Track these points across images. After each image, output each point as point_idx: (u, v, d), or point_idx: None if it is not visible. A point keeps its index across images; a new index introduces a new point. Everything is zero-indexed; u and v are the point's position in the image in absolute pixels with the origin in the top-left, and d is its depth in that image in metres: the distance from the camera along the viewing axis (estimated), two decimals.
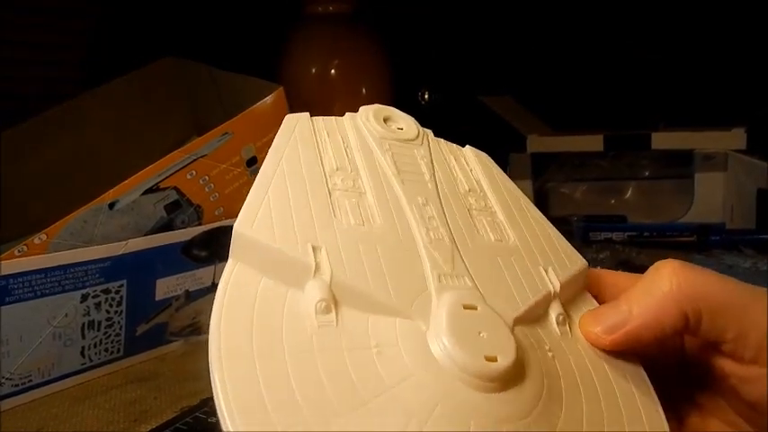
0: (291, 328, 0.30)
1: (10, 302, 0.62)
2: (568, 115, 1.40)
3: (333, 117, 0.45)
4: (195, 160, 0.72)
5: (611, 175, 1.28)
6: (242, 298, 0.31)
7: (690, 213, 1.20)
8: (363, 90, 1.16)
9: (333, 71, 1.14)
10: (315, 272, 0.32)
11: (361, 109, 0.45)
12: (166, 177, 0.71)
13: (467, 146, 0.49)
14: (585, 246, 1.09)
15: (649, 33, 1.39)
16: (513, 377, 0.31)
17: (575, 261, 0.41)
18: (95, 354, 0.70)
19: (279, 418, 0.26)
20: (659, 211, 1.24)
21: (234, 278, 0.32)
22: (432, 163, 0.43)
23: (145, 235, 0.71)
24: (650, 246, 1.12)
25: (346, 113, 0.45)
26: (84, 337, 0.69)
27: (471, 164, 0.47)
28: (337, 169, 0.40)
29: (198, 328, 0.80)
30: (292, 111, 0.82)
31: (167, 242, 0.72)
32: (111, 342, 0.71)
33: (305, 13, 1.16)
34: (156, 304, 0.74)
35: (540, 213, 0.45)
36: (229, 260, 0.32)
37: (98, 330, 0.69)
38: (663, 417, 0.35)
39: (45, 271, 0.63)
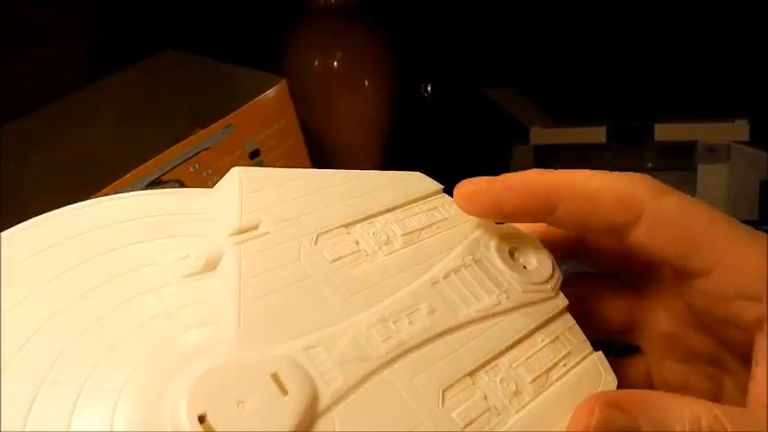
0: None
1: None
2: (571, 107, 1.40)
3: None
4: (198, 153, 0.73)
5: (614, 167, 1.27)
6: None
7: None
8: (366, 83, 1.16)
9: (335, 64, 1.14)
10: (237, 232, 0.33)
11: (486, 226, 0.42)
12: (169, 170, 0.71)
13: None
14: None
15: (652, 25, 1.39)
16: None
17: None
18: None
19: None
20: None
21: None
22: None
23: None
24: None
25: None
26: None
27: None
28: None
29: None
30: (295, 103, 0.83)
31: None
32: None
33: (308, 5, 1.16)
34: None
35: None
36: None
37: None
38: None
39: None
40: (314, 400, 0.27)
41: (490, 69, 1.45)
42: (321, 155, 1.04)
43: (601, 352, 0.37)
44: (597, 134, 1.25)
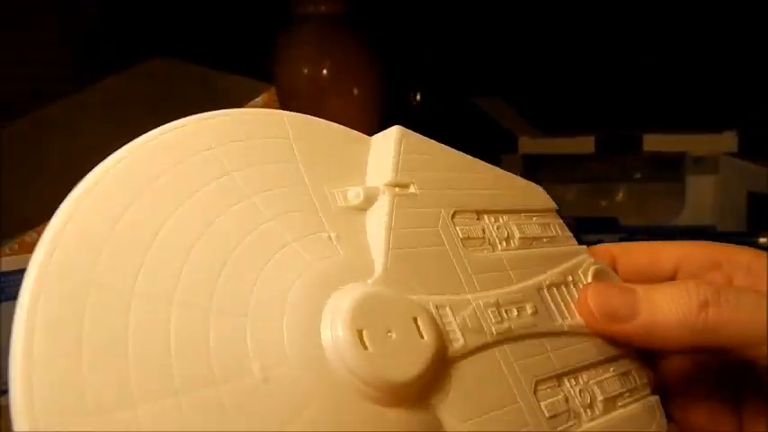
0: None
1: (1, 300, 0.61)
2: (560, 117, 1.40)
3: None
4: None
5: (602, 177, 1.28)
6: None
7: (681, 216, 1.20)
8: (355, 91, 1.16)
9: (324, 71, 1.14)
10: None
11: (587, 257, 0.43)
12: None
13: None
14: None
15: (641, 35, 1.39)
16: (417, 393, 0.29)
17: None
18: None
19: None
20: (650, 213, 1.25)
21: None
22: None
23: None
24: None
25: None
26: None
27: None
28: None
29: None
30: (284, 110, 0.83)
31: None
32: None
33: (296, 13, 1.16)
34: None
35: None
36: None
37: None
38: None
39: None
40: (442, 352, 0.30)
41: (478, 78, 1.46)
42: None
43: (658, 397, 0.39)
44: (586, 144, 1.25)
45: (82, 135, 1.01)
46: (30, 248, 0.62)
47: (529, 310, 0.36)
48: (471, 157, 0.43)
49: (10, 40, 1.10)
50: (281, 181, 0.32)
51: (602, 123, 1.29)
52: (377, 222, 0.33)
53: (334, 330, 0.27)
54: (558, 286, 0.39)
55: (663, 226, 1.20)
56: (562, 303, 0.38)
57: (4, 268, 0.61)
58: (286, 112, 0.35)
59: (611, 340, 0.37)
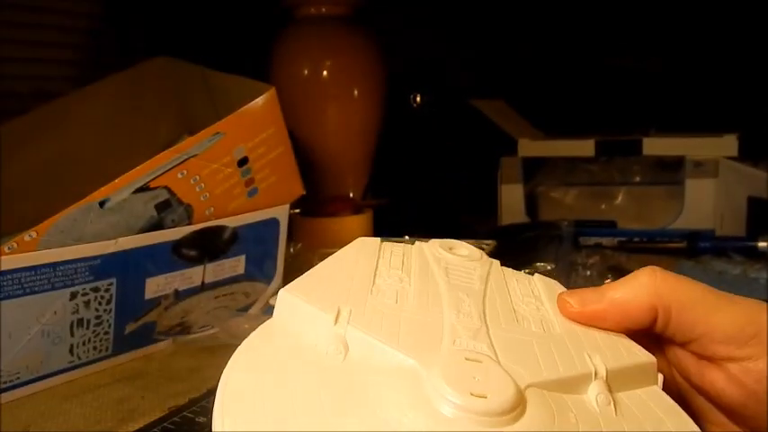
0: (301, 364, 0.31)
1: (0, 299, 0.62)
2: (560, 120, 1.40)
3: (404, 244, 0.46)
4: (186, 160, 0.72)
5: (601, 181, 1.28)
6: (264, 339, 0.34)
7: (680, 219, 1.21)
8: (356, 92, 1.16)
9: (325, 73, 1.14)
10: (335, 323, 0.33)
11: (432, 241, 0.46)
12: (157, 176, 0.71)
13: (536, 274, 0.46)
14: (576, 251, 1.09)
15: (642, 40, 1.40)
16: (506, 419, 0.29)
17: (638, 355, 0.38)
18: (84, 352, 0.70)
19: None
20: (649, 216, 1.25)
21: (264, 327, 0.34)
22: (487, 276, 0.43)
23: (135, 234, 0.71)
24: (640, 251, 1.13)
25: (416, 243, 0.46)
26: (72, 334, 0.68)
27: (537, 284, 0.44)
28: (390, 269, 0.41)
29: (186, 328, 0.80)
30: (284, 112, 0.83)
31: (157, 241, 0.72)
32: (100, 340, 0.71)
33: (298, 14, 1.16)
34: (146, 303, 0.74)
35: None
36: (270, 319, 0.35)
37: (87, 328, 0.69)
38: None
39: (34, 268, 0.63)
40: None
41: (479, 81, 1.46)
42: (309, 163, 1.04)
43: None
44: (586, 147, 1.25)
45: (82, 135, 1.01)
46: (29, 248, 0.62)
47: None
48: None
49: (10, 40, 1.10)
50: None
51: (602, 127, 1.29)
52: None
53: (431, 381, 0.30)
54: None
55: (662, 229, 1.20)
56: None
57: (4, 267, 0.61)
58: None
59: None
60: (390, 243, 0.45)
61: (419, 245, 0.46)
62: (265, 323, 0.35)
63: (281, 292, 0.36)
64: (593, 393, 0.33)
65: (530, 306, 0.41)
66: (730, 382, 0.37)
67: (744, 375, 0.36)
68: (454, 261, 0.44)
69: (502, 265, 0.46)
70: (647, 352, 0.38)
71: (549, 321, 0.39)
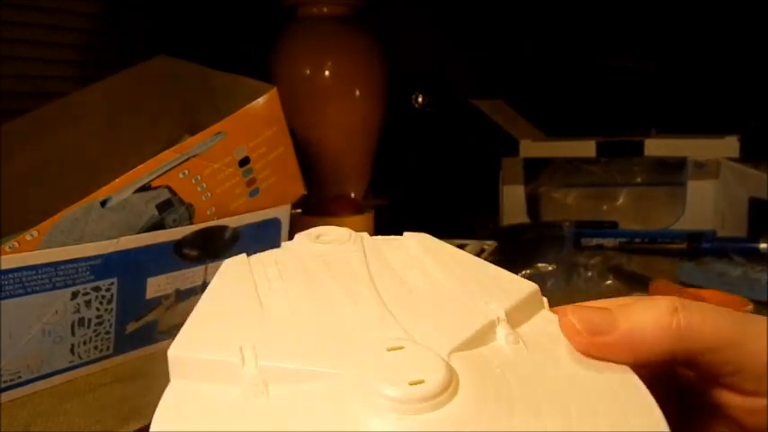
0: (226, 415, 0.30)
1: (0, 299, 0.62)
2: (561, 121, 1.40)
3: (266, 252, 0.44)
4: (187, 159, 0.72)
5: (603, 182, 1.28)
6: (178, 405, 0.31)
7: (681, 221, 1.20)
8: (357, 92, 1.16)
9: (326, 73, 1.14)
10: (243, 364, 0.32)
11: (296, 236, 0.45)
12: (158, 176, 0.71)
13: (405, 232, 0.47)
14: (577, 252, 1.09)
15: (644, 41, 1.39)
16: (445, 395, 0.30)
17: (522, 288, 0.40)
18: (85, 351, 0.70)
19: None
20: (651, 217, 1.25)
21: (171, 392, 0.32)
22: (364, 256, 0.43)
23: (136, 233, 0.71)
24: (641, 252, 1.13)
25: (282, 244, 0.45)
26: (73, 334, 0.68)
27: (409, 246, 0.45)
28: (270, 282, 0.40)
29: None
30: (285, 112, 0.83)
31: (158, 241, 0.72)
32: (101, 340, 0.71)
33: (299, 14, 1.16)
34: (147, 303, 0.74)
35: (484, 262, 0.43)
36: (170, 383, 0.33)
37: (88, 328, 0.69)
38: (661, 416, 0.34)
39: (36, 267, 0.63)
40: None
41: (480, 81, 1.46)
42: (311, 163, 1.04)
43: None
44: (587, 148, 1.25)
45: (83, 134, 1.01)
46: (30, 247, 0.62)
47: None
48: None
49: (11, 40, 1.10)
50: None
51: (603, 128, 1.29)
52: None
53: (368, 385, 0.30)
54: None
55: (663, 230, 1.20)
56: None
57: (2, 266, 0.61)
58: None
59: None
60: (258, 255, 0.44)
61: (285, 245, 0.45)
62: (164, 401, 0.32)
63: (170, 353, 0.33)
64: (502, 337, 0.35)
65: (413, 270, 0.41)
66: (755, 416, 0.36)
67: None
68: (328, 251, 0.43)
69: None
70: (528, 281, 0.40)
71: (436, 280, 0.40)
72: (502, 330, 0.36)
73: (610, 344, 0.35)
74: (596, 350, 0.35)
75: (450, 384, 0.30)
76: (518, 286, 0.40)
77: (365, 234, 0.46)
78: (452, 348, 0.33)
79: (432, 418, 0.29)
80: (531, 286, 0.39)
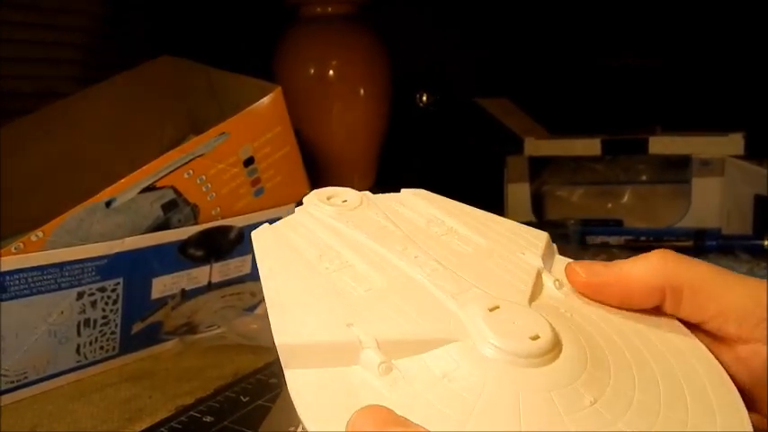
0: (364, 398, 0.30)
1: (6, 299, 0.62)
2: (566, 118, 1.40)
3: (288, 217, 0.43)
4: (192, 160, 0.72)
5: (607, 180, 1.28)
6: (321, 400, 0.30)
7: (686, 218, 1.20)
8: (361, 91, 1.16)
9: (331, 72, 1.14)
10: (361, 344, 0.32)
11: (305, 198, 0.45)
12: (163, 176, 0.71)
13: (402, 189, 0.48)
14: (582, 249, 1.09)
15: (647, 38, 1.39)
16: (556, 347, 0.32)
17: (539, 236, 0.43)
18: (90, 352, 0.70)
19: None
20: (656, 215, 1.24)
21: (300, 386, 0.31)
22: (387, 216, 0.44)
23: (141, 234, 0.71)
24: (646, 250, 1.12)
25: (296, 208, 0.45)
26: (79, 334, 0.69)
27: (415, 202, 0.47)
28: (320, 256, 0.39)
29: (193, 328, 0.80)
30: (290, 111, 0.82)
31: (164, 241, 0.72)
32: (107, 340, 0.71)
33: (303, 13, 1.16)
34: (152, 303, 0.74)
35: (486, 212, 0.46)
36: (285, 372, 0.32)
37: (93, 328, 0.69)
38: (722, 369, 0.36)
39: (41, 268, 0.63)
40: None
41: (484, 79, 1.46)
42: (315, 163, 1.04)
43: None
44: (592, 146, 1.25)
45: (86, 135, 1.01)
46: (35, 248, 0.62)
47: None
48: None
49: (14, 40, 1.10)
50: None
51: (608, 126, 1.29)
52: None
53: (490, 346, 0.32)
54: None
55: (668, 228, 1.20)
56: None
57: (8, 267, 0.61)
58: None
59: None
60: (284, 222, 0.43)
61: (300, 210, 0.44)
62: (300, 399, 0.31)
63: (279, 342, 0.32)
64: (549, 284, 0.39)
65: (439, 227, 0.43)
66: (739, 364, 0.37)
67: (752, 358, 0.36)
68: (352, 216, 0.43)
69: None
70: (538, 230, 0.44)
71: (463, 235, 0.42)
72: (548, 278, 0.39)
73: (605, 284, 0.39)
74: (592, 289, 0.39)
75: (557, 338, 0.32)
76: (534, 234, 0.43)
77: (367, 192, 0.46)
78: (528, 299, 0.36)
79: (557, 367, 0.31)
80: (544, 234, 0.43)
